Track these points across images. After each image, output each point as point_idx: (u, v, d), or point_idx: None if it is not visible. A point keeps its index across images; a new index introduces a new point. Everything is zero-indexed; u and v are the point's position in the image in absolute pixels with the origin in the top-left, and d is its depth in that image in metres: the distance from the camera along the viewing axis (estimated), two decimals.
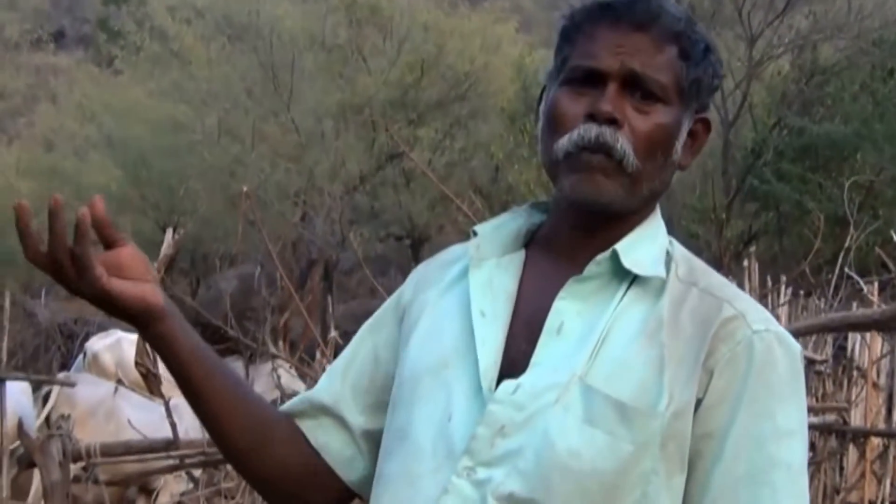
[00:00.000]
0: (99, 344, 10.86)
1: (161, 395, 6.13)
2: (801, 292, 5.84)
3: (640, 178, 1.34)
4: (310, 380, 4.91)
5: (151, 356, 7.64)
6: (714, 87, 1.42)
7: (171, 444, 5.21)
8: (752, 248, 4.72)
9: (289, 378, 6.98)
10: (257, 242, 14.60)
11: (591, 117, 1.32)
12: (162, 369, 7.36)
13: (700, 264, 1.40)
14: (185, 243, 13.27)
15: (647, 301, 1.32)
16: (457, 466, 1.28)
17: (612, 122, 1.32)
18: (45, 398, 6.91)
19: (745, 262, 4.55)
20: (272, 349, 6.49)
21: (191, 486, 6.55)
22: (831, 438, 5.12)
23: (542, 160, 1.40)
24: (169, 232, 11.28)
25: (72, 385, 6.12)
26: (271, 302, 11.27)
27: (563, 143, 1.34)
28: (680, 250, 1.41)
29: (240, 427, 1.43)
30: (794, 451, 1.30)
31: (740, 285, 5.36)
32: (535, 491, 1.25)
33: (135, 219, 16.79)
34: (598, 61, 1.34)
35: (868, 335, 5.50)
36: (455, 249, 1.48)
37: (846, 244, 5.65)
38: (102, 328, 13.30)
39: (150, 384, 8.54)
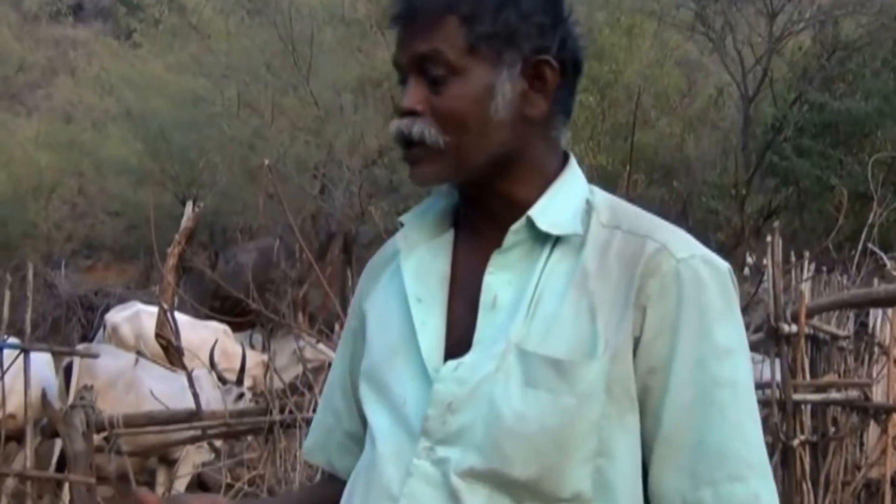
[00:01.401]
0: (118, 316, 10.94)
1: (183, 367, 6.17)
2: (825, 268, 5.82)
3: (462, 150, 1.36)
4: (332, 350, 4.93)
5: (172, 327, 7.69)
6: (541, 25, 1.38)
7: (193, 415, 5.25)
8: (776, 223, 4.69)
9: (312, 352, 7.01)
10: (276, 215, 14.61)
11: (398, 114, 1.39)
12: (183, 341, 7.42)
13: (625, 206, 1.42)
14: (205, 216, 13.31)
15: (571, 256, 1.35)
16: (417, 448, 1.32)
17: (411, 113, 1.37)
18: (66, 369, 6.96)
19: (769, 237, 4.52)
20: (292, 323, 6.52)
21: (212, 456, 6.60)
22: (853, 415, 5.11)
23: None
24: (189, 205, 11.34)
25: (94, 356, 6.15)
26: (291, 275, 11.31)
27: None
28: (602, 196, 1.42)
29: None
30: (737, 368, 1.32)
31: (760, 260, 5.35)
32: (492, 461, 1.29)
33: (154, 192, 16.80)
34: (397, 59, 1.41)
35: (890, 311, 5.48)
36: (394, 241, 1.51)
37: (869, 220, 5.62)
38: (122, 300, 13.37)
39: (171, 356, 8.61)
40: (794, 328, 4.54)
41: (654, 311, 1.31)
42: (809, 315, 4.70)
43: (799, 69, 17.69)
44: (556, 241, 1.37)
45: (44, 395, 5.79)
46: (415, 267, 1.42)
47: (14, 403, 5.35)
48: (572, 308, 1.32)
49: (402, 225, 1.46)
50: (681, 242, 1.36)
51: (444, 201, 1.47)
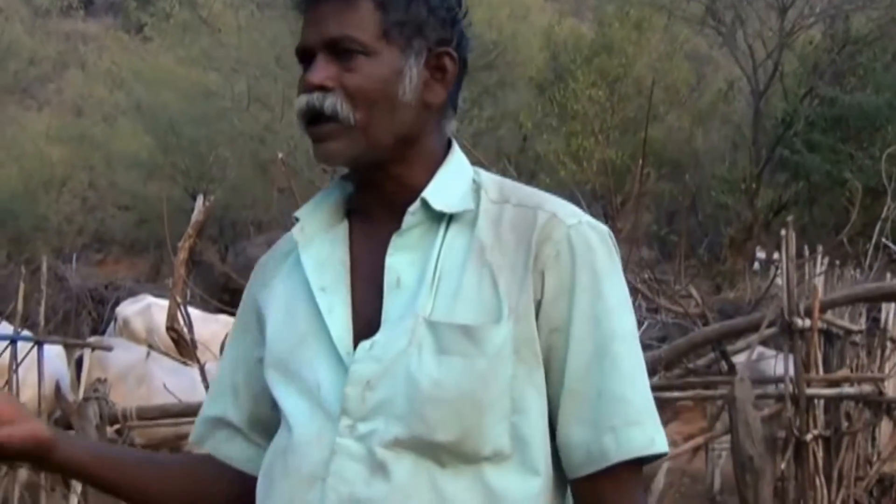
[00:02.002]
0: (129, 309, 10.96)
1: (196, 360, 6.17)
2: (838, 262, 5.80)
3: (371, 128, 1.42)
4: None
5: (185, 320, 7.70)
6: (443, 19, 1.47)
7: None
8: (790, 217, 4.68)
9: None
10: (285, 209, 14.62)
11: (305, 91, 1.43)
12: (196, 334, 7.43)
13: (509, 183, 1.50)
14: (214, 210, 13.32)
15: (466, 232, 1.43)
16: (338, 427, 1.38)
17: (320, 88, 1.42)
18: (78, 362, 6.98)
19: (783, 232, 4.50)
20: None
21: None
22: (866, 410, 5.09)
23: None
24: (199, 199, 11.33)
25: (108, 349, 6.17)
26: None
27: (299, 119, 1.45)
28: (487, 176, 1.50)
29: (171, 493, 1.58)
30: (624, 321, 1.43)
31: (770, 254, 5.33)
32: (415, 428, 1.36)
33: (164, 186, 16.85)
34: (305, 39, 1.45)
35: None
36: (289, 237, 1.56)
37: (882, 214, 5.61)
38: (132, 293, 13.39)
39: (182, 349, 8.62)
40: (807, 323, 4.52)
41: (551, 274, 1.40)
42: (822, 310, 4.68)
43: (809, 63, 17.65)
44: (450, 219, 1.44)
45: (57, 387, 5.80)
46: (315, 258, 1.48)
47: (27, 396, 5.36)
48: (474, 279, 1.39)
49: (297, 220, 1.51)
50: (568, 210, 1.45)
51: (336, 194, 1.53)
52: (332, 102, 1.41)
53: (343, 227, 1.51)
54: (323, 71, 1.42)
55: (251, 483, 1.52)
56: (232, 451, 1.60)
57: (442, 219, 1.44)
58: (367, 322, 1.42)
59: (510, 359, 1.38)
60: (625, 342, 1.41)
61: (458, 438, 1.36)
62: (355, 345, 1.41)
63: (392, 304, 1.41)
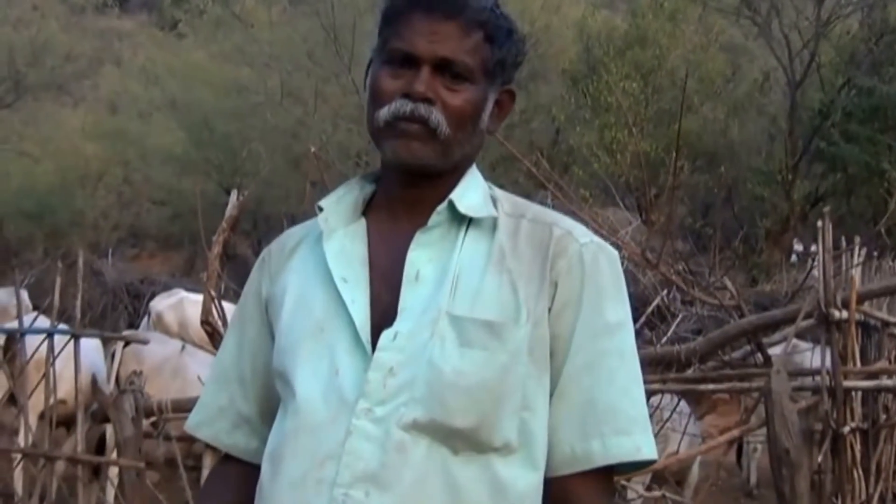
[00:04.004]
0: (162, 303, 11.05)
1: None
2: (875, 253, 5.73)
3: (452, 144, 1.54)
4: None
5: (219, 314, 7.74)
6: (518, 63, 1.61)
7: None
8: (827, 208, 4.62)
9: None
10: (318, 203, 14.68)
11: (408, 96, 1.52)
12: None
13: (520, 199, 1.63)
14: (248, 204, 13.38)
15: (485, 238, 1.54)
16: (355, 410, 1.45)
17: (426, 100, 1.51)
18: (114, 356, 7.03)
19: (819, 223, 4.45)
20: None
21: None
22: None
23: (367, 128, 1.59)
24: (233, 193, 11.37)
25: (144, 342, 6.19)
26: None
27: (384, 113, 1.53)
28: (500, 191, 1.63)
29: None
30: (624, 339, 1.54)
31: (808, 246, 5.28)
32: (434, 412, 1.44)
33: (198, 180, 16.95)
34: (414, 47, 1.53)
35: None
36: (295, 232, 1.68)
37: None
38: (167, 288, 13.49)
39: (216, 342, 8.66)
40: (844, 314, 4.46)
41: (563, 285, 1.51)
42: (860, 301, 4.62)
43: (847, 53, 17.45)
44: (469, 223, 1.55)
45: (94, 380, 5.84)
46: (336, 250, 1.56)
47: (64, 389, 5.40)
48: (494, 282, 1.49)
49: (320, 209, 1.59)
50: (581, 229, 1.57)
51: (356, 192, 1.63)
52: (437, 117, 1.51)
53: (361, 225, 1.59)
54: (431, 85, 1.52)
55: (254, 477, 1.56)
56: (237, 440, 1.66)
57: (462, 222, 1.55)
58: (381, 315, 1.50)
59: (525, 359, 1.47)
60: (622, 358, 1.52)
61: (474, 426, 1.45)
62: (372, 334, 1.49)
63: (410, 296, 1.50)
